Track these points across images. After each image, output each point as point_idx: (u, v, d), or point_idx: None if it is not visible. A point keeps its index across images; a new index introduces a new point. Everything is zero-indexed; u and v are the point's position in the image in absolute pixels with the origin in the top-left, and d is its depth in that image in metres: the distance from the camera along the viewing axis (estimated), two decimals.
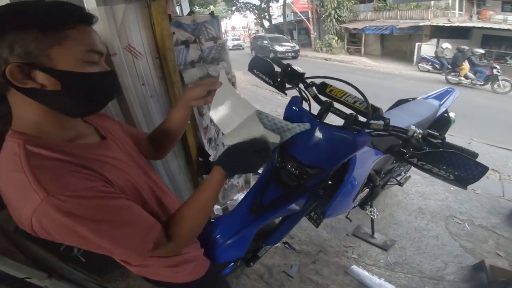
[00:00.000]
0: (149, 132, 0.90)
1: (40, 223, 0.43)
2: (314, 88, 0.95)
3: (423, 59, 9.68)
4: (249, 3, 21.43)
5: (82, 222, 0.44)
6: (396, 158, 1.62)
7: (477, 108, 5.42)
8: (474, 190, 2.46)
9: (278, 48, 13.09)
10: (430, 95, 2.00)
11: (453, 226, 2.06)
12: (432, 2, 11.68)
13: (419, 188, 2.52)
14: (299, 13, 17.01)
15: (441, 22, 10.68)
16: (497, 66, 6.94)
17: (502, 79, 6.74)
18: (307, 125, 0.80)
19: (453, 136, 3.47)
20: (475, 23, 10.42)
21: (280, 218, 1.21)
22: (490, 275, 1.52)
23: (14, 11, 0.44)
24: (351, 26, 13.78)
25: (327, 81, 0.94)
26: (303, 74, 1.00)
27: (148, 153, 0.81)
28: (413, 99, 1.95)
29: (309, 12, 15.97)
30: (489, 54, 8.65)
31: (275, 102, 5.52)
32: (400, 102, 1.96)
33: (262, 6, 20.71)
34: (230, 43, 18.88)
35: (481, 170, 0.67)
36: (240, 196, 1.90)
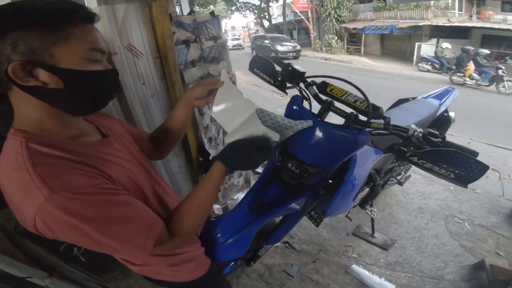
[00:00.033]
0: (150, 131, 0.89)
1: (43, 221, 0.43)
2: (314, 87, 0.95)
3: (422, 59, 9.68)
4: (249, 3, 21.41)
5: (85, 219, 0.44)
6: (396, 157, 1.62)
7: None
8: (474, 189, 2.46)
9: (279, 48, 12.98)
10: (430, 95, 2.00)
11: (453, 226, 2.07)
12: (432, 2, 11.68)
13: (419, 187, 2.52)
14: (299, 13, 17.01)
15: (441, 22, 10.69)
16: (503, 67, 6.85)
17: (507, 80, 6.65)
18: (309, 122, 0.80)
19: (453, 136, 3.47)
20: (474, 23, 10.43)
21: (281, 217, 1.22)
22: (490, 275, 1.53)
23: (18, 9, 0.44)
24: (350, 26, 13.78)
25: (328, 80, 0.94)
26: (303, 73, 1.00)
27: (149, 153, 0.81)
28: (413, 98, 1.95)
29: (309, 12, 15.97)
30: (488, 54, 8.63)
31: (275, 102, 5.52)
32: (400, 102, 1.96)
33: (262, 6, 20.69)
34: (230, 43, 18.82)
35: (482, 169, 0.67)
36: (240, 196, 1.90)
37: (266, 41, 13.95)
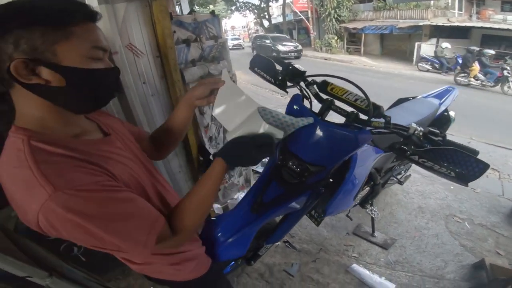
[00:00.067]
0: (150, 130, 0.89)
1: (46, 218, 0.43)
2: (315, 86, 0.95)
3: (422, 59, 9.69)
4: (249, 2, 21.39)
5: (89, 216, 0.44)
6: (397, 156, 1.62)
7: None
8: (474, 189, 2.47)
9: (280, 47, 12.90)
10: (430, 94, 2.00)
11: (453, 225, 2.07)
12: (432, 2, 11.67)
13: (419, 187, 2.52)
14: (298, 13, 17.00)
15: (441, 21, 10.69)
16: (508, 67, 6.79)
17: None
18: (310, 119, 0.80)
19: (453, 136, 3.48)
20: (474, 23, 10.42)
21: (281, 216, 1.22)
22: (490, 274, 1.53)
23: (19, 8, 0.44)
24: (350, 25, 13.78)
25: (328, 79, 0.94)
26: (304, 72, 1.00)
27: (149, 153, 0.81)
28: (413, 98, 1.95)
29: (309, 11, 15.96)
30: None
31: (275, 102, 5.53)
32: (400, 101, 1.96)
33: (262, 5, 20.68)
34: (230, 43, 18.75)
35: (482, 167, 0.67)
36: (240, 195, 1.90)
37: (267, 41, 13.89)
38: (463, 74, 7.52)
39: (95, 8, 0.95)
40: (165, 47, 1.17)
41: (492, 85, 7.02)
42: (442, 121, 1.82)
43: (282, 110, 0.88)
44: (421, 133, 0.75)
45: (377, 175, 1.54)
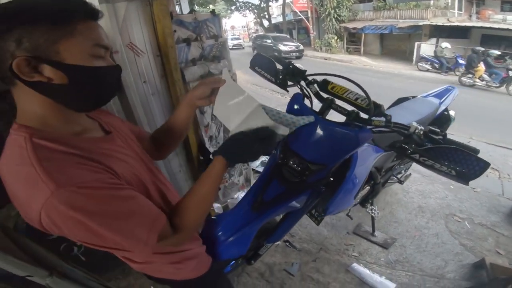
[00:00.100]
0: (151, 130, 0.89)
1: (49, 216, 0.42)
2: (315, 85, 0.96)
3: (422, 59, 9.70)
4: (249, 2, 21.38)
5: (91, 213, 0.44)
6: (398, 155, 1.62)
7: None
8: (474, 188, 2.47)
9: (282, 47, 12.78)
10: (430, 93, 2.00)
11: (453, 225, 2.07)
12: (432, 2, 11.68)
13: (419, 186, 2.52)
14: (298, 13, 16.99)
15: (441, 21, 10.70)
16: None
17: None
18: (311, 118, 0.80)
19: (453, 135, 3.48)
20: (474, 22, 10.44)
21: (281, 215, 1.22)
22: (491, 273, 1.53)
23: (22, 6, 0.44)
24: (350, 25, 13.78)
25: (329, 78, 0.95)
26: (304, 71, 1.00)
27: (150, 152, 0.81)
28: (413, 97, 1.95)
29: (309, 11, 15.96)
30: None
31: (275, 101, 5.52)
32: (400, 101, 1.96)
33: (262, 5, 20.68)
34: (230, 43, 18.67)
35: (483, 166, 0.67)
36: (240, 194, 1.90)
37: (268, 41, 13.79)
38: (468, 75, 7.45)
39: (96, 7, 0.96)
40: (165, 46, 1.17)
41: (497, 85, 6.96)
42: (442, 120, 1.82)
43: (282, 109, 0.88)
44: (421, 132, 0.76)
45: (378, 174, 1.54)
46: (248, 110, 0.67)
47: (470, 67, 7.42)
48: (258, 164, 2.70)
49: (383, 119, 0.81)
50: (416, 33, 11.66)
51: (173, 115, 0.82)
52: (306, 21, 16.40)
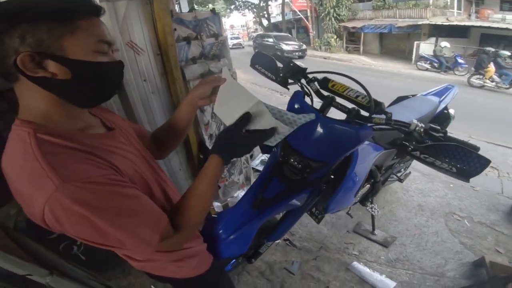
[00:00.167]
0: (151, 128, 0.89)
1: (52, 211, 0.42)
2: (316, 83, 0.95)
3: (421, 58, 9.72)
4: (248, 1, 21.34)
5: (96, 209, 0.44)
6: (397, 153, 1.62)
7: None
8: (473, 187, 2.47)
9: (284, 47, 12.60)
10: (430, 92, 2.00)
11: (453, 223, 2.07)
12: (431, 1, 11.70)
13: (419, 185, 2.53)
14: (298, 12, 16.98)
15: (440, 21, 10.71)
16: None
17: None
18: (312, 115, 0.80)
19: (452, 134, 3.48)
20: (473, 22, 10.44)
21: (282, 214, 1.22)
22: (490, 271, 1.53)
23: (26, 3, 0.44)
24: (350, 24, 13.78)
25: (329, 76, 0.95)
26: (305, 69, 1.00)
27: (150, 151, 0.81)
28: (413, 95, 1.96)
29: (308, 10, 15.95)
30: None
31: (274, 101, 5.52)
32: (400, 99, 1.96)
33: (261, 4, 20.67)
34: (229, 42, 18.53)
35: (483, 163, 0.67)
36: (240, 193, 1.90)
37: (270, 40, 13.63)
38: (477, 76, 7.31)
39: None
40: (165, 45, 1.17)
41: (507, 87, 6.85)
42: (441, 118, 1.83)
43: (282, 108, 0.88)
44: (422, 129, 0.76)
45: (378, 173, 1.54)
46: (247, 107, 0.67)
47: (480, 68, 7.27)
48: (258, 162, 2.70)
49: (383, 116, 0.81)
50: (415, 32, 11.68)
51: (174, 114, 0.82)
52: (305, 20, 16.38)
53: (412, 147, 0.76)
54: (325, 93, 0.94)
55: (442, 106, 1.81)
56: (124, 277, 1.56)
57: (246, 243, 0.96)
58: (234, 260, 1.35)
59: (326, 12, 14.10)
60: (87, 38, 0.48)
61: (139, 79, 1.18)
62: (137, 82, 1.17)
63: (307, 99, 0.95)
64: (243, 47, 19.80)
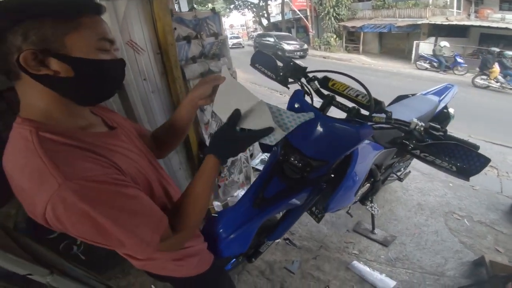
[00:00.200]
0: (151, 127, 0.89)
1: (54, 210, 0.42)
2: (316, 82, 0.95)
3: (421, 57, 9.72)
4: (248, 1, 21.32)
5: (98, 207, 0.44)
6: (399, 151, 1.62)
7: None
8: (473, 186, 2.48)
9: (286, 46, 12.49)
10: (429, 91, 2.00)
11: (453, 222, 2.08)
12: (430, 1, 11.69)
13: (419, 184, 2.53)
14: (297, 11, 16.94)
15: (439, 20, 10.71)
16: None
17: None
18: (311, 114, 0.80)
19: (451, 133, 3.48)
20: (473, 21, 10.45)
21: (281, 213, 1.22)
22: (490, 271, 1.54)
23: (27, 1, 0.44)
24: (349, 24, 13.78)
25: (329, 75, 0.95)
26: (305, 68, 1.00)
27: (151, 150, 0.81)
28: (413, 95, 1.96)
29: (308, 10, 15.94)
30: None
31: (274, 100, 5.52)
32: (399, 98, 1.96)
33: (261, 4, 20.65)
34: (229, 42, 18.53)
35: (483, 161, 0.67)
36: (240, 193, 1.90)
37: (271, 39, 13.54)
38: (482, 76, 7.26)
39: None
40: (165, 44, 1.16)
41: None
42: (441, 118, 1.83)
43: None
44: (422, 128, 0.76)
45: (378, 172, 1.54)
46: (247, 107, 0.67)
47: (485, 68, 7.22)
48: (258, 161, 2.70)
49: (383, 115, 0.81)
50: (415, 32, 11.68)
51: (174, 114, 0.82)
52: (305, 20, 16.36)
53: (412, 145, 0.76)
54: (325, 92, 0.94)
55: (441, 105, 1.81)
56: (124, 276, 1.56)
57: (247, 242, 0.96)
58: (234, 259, 1.35)
59: (325, 12, 14.09)
60: (90, 35, 0.48)
61: (139, 78, 1.18)
62: (137, 82, 1.17)
63: (307, 98, 0.95)
64: (243, 47, 19.76)
